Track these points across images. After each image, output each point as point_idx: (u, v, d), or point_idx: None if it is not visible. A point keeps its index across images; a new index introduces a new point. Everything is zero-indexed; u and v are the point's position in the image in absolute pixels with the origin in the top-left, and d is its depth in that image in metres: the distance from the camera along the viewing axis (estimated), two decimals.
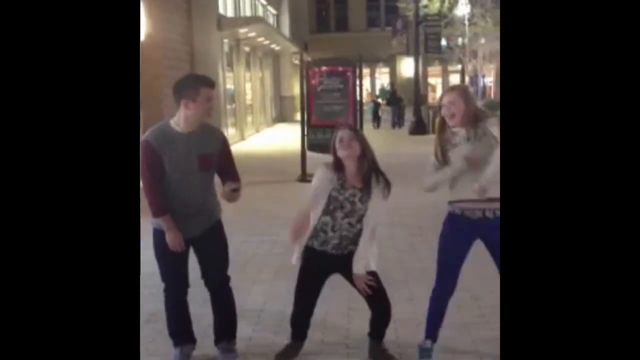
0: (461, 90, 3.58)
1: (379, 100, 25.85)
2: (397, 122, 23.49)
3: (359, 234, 3.49)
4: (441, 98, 3.60)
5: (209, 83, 3.48)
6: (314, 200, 3.46)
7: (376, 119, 23.68)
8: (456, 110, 3.42)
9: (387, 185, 3.53)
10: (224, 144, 3.65)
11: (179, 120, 3.48)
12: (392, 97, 24.92)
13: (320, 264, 3.55)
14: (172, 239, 3.47)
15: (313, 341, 3.95)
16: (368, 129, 22.52)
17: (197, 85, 3.44)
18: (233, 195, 3.49)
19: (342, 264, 3.53)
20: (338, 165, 3.47)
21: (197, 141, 3.48)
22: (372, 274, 3.56)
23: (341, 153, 3.43)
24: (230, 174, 3.61)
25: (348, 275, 3.58)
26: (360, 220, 3.47)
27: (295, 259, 3.62)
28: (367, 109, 23.32)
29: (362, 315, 4.39)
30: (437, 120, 3.72)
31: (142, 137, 3.47)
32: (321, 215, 3.46)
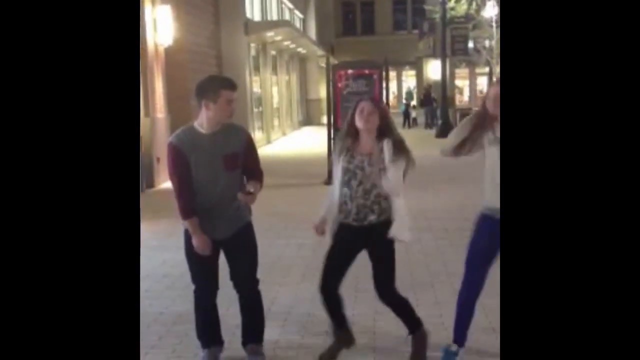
0: None
1: (407, 102, 26.24)
2: (430, 123, 23.59)
3: (375, 202, 3.48)
4: (488, 92, 3.69)
5: (230, 85, 3.50)
6: (336, 180, 3.60)
7: (407, 120, 24.21)
8: None
9: (407, 155, 3.51)
10: (248, 142, 3.65)
11: (202, 121, 3.51)
12: (426, 98, 25.00)
13: (345, 237, 3.56)
14: (198, 242, 3.49)
15: None
16: (414, 128, 22.30)
17: (217, 87, 3.47)
18: (248, 198, 3.48)
19: (363, 236, 3.52)
20: (351, 134, 3.53)
21: (221, 141, 3.51)
22: (390, 254, 3.59)
23: (359, 124, 3.47)
24: (254, 172, 3.62)
25: (371, 250, 3.58)
26: (374, 186, 3.45)
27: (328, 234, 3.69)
28: (399, 111, 23.78)
29: (387, 318, 4.39)
30: (477, 110, 3.71)
31: (169, 139, 3.52)
32: (341, 187, 3.52)
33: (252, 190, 3.49)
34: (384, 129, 3.50)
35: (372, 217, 3.50)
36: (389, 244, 3.56)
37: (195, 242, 3.49)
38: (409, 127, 23.77)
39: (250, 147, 3.65)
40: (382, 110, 3.55)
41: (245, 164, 3.61)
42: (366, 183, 3.47)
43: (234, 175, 3.58)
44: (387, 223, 3.50)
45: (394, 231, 3.50)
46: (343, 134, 3.62)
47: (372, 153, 3.45)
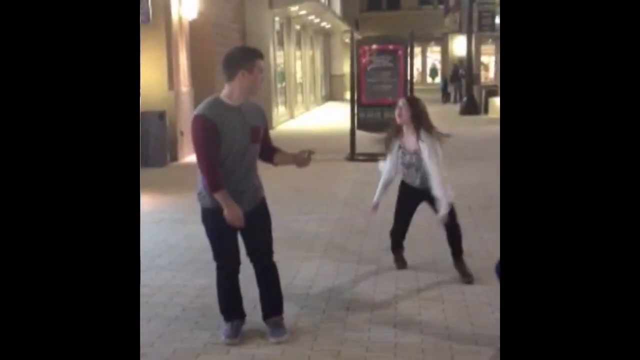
0: None
1: (445, 78, 27.34)
2: (459, 99, 23.59)
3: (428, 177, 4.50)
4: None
5: (261, 54, 3.56)
6: (391, 171, 4.67)
7: (445, 94, 25.83)
8: None
9: (430, 142, 4.40)
10: (266, 119, 3.76)
11: (231, 93, 3.50)
12: (455, 74, 24.99)
13: (410, 193, 4.68)
14: (232, 214, 3.46)
15: (362, 319, 3.98)
16: (435, 106, 22.64)
17: (252, 56, 3.49)
18: (308, 159, 3.67)
19: (426, 195, 4.57)
20: (398, 129, 4.54)
21: (247, 114, 3.53)
22: (451, 211, 4.55)
23: (397, 119, 4.49)
24: (272, 148, 3.72)
25: (431, 202, 4.59)
26: (425, 171, 4.48)
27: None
28: (439, 87, 27.46)
29: (408, 295, 4.40)
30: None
31: (195, 112, 3.51)
32: (402, 169, 4.63)
33: (313, 150, 3.70)
34: (416, 120, 4.43)
35: (429, 185, 4.51)
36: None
37: (228, 213, 3.45)
38: (446, 101, 24.98)
39: (266, 122, 3.74)
40: (411, 103, 4.50)
41: (264, 139, 3.67)
42: (421, 169, 4.51)
43: (256, 149, 3.61)
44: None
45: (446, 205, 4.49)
46: (390, 130, 4.62)
47: (417, 151, 4.45)
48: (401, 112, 4.44)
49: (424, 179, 4.50)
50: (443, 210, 4.43)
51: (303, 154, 3.67)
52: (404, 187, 4.70)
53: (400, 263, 4.92)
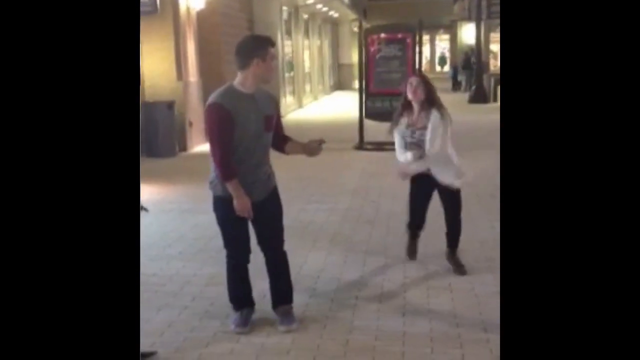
0: None
1: (455, 65, 27.48)
2: (470, 87, 23.56)
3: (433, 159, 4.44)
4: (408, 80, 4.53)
5: (273, 42, 3.58)
6: (402, 146, 4.50)
7: (456, 83, 26.04)
8: None
9: (440, 114, 4.38)
10: (278, 106, 3.77)
11: (245, 81, 3.50)
12: (466, 62, 24.96)
13: (421, 181, 4.56)
14: (242, 205, 3.48)
15: (370, 308, 3.99)
16: (444, 94, 22.54)
17: (265, 44, 3.51)
18: (319, 149, 3.71)
19: (430, 180, 4.49)
20: (406, 106, 4.45)
21: (261, 102, 3.54)
22: (457, 191, 4.60)
23: (411, 97, 4.38)
24: (284, 137, 3.73)
25: (440, 191, 4.58)
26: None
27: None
28: (448, 75, 27.57)
29: (416, 285, 4.40)
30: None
31: (209, 100, 3.50)
32: (407, 150, 4.48)
33: (323, 140, 3.73)
34: (430, 99, 4.39)
35: (433, 170, 4.46)
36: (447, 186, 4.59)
37: (237, 204, 3.47)
38: (457, 90, 24.96)
39: (279, 111, 3.75)
40: (426, 82, 4.42)
41: (277, 128, 3.67)
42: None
43: (269, 137, 3.61)
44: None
45: (455, 182, 4.58)
46: (400, 106, 4.51)
47: (427, 127, 4.36)
48: (417, 91, 4.35)
49: (434, 162, 4.44)
50: (457, 180, 4.53)
51: (313, 143, 3.70)
52: (414, 177, 4.61)
53: (412, 253, 4.89)
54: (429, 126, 4.34)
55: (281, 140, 3.73)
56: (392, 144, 4.62)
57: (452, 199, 4.61)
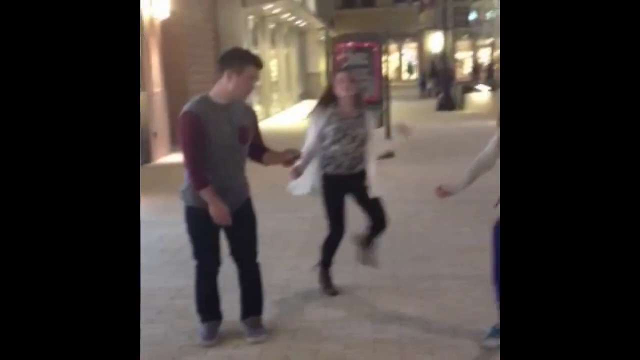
0: None
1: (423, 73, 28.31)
2: (435, 93, 23.93)
3: (361, 155, 4.17)
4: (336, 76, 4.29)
5: (258, 63, 3.48)
6: (317, 139, 4.13)
7: (424, 90, 26.57)
8: None
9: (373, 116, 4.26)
10: (255, 118, 3.72)
11: (220, 92, 3.46)
12: (433, 70, 25.41)
13: (337, 185, 4.19)
14: (217, 211, 3.42)
15: (340, 317, 3.95)
16: (411, 102, 22.91)
17: (245, 60, 3.44)
18: (294, 160, 3.73)
19: (354, 182, 4.19)
20: (330, 101, 4.15)
21: (236, 114, 3.49)
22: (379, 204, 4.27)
23: (341, 93, 4.10)
24: (263, 147, 3.70)
25: (359, 193, 4.24)
26: (363, 142, 4.15)
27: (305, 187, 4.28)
28: (417, 84, 28.41)
29: (386, 292, 4.38)
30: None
31: (184, 108, 3.44)
32: (330, 145, 4.11)
33: (298, 153, 3.75)
34: (360, 96, 4.20)
35: (360, 166, 4.18)
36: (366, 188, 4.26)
37: (214, 211, 3.41)
38: (426, 97, 25.28)
39: (257, 123, 3.70)
40: (355, 80, 4.21)
41: (255, 139, 3.64)
42: (356, 141, 4.13)
43: (245, 149, 3.58)
44: (364, 172, 4.23)
45: (373, 190, 4.23)
46: (322, 105, 4.19)
47: (360, 116, 4.15)
48: (350, 85, 4.09)
49: (355, 157, 4.13)
50: (375, 187, 4.19)
51: (289, 154, 3.68)
52: (329, 181, 4.19)
53: (331, 289, 4.36)
54: (369, 125, 4.17)
55: (259, 151, 3.69)
56: None
57: (371, 198, 4.28)
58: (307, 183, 4.23)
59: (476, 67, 29.67)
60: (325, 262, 4.39)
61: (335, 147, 4.11)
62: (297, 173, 4.04)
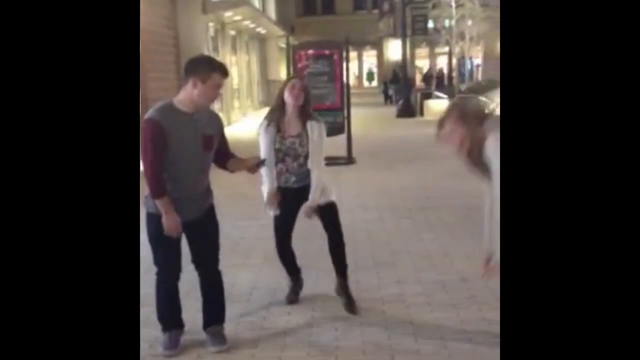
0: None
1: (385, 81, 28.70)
2: (397, 99, 24.18)
3: (306, 170, 4.04)
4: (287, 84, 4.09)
5: (223, 71, 3.45)
6: (268, 155, 4.00)
7: (387, 97, 27.06)
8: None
9: (320, 126, 4.04)
10: (222, 125, 3.69)
11: (184, 99, 3.43)
12: (394, 77, 25.70)
13: (288, 198, 4.10)
14: (170, 223, 3.40)
15: (302, 324, 3.96)
16: (372, 109, 23.09)
17: (210, 68, 3.41)
18: (258, 168, 3.68)
19: (304, 194, 4.05)
20: (279, 109, 4.04)
21: (200, 122, 3.46)
22: (332, 204, 4.14)
23: (289, 100, 3.97)
24: (227, 155, 3.67)
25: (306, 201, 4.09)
26: (306, 159, 4.03)
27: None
28: (379, 91, 29.11)
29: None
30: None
31: (146, 115, 3.39)
32: (276, 163, 4.05)
33: (260, 159, 3.71)
34: (306, 106, 4.02)
35: (307, 180, 4.05)
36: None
37: (167, 221, 3.39)
38: (390, 103, 25.73)
39: (223, 131, 3.68)
40: (307, 89, 4.05)
41: (220, 147, 3.61)
42: (299, 159, 4.04)
43: (209, 157, 3.55)
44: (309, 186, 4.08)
45: (330, 196, 4.13)
46: (273, 108, 4.11)
47: (300, 134, 4.00)
48: (299, 95, 3.95)
49: (300, 173, 4.03)
50: (313, 194, 3.99)
51: (253, 160, 3.66)
52: (281, 193, 4.11)
53: (293, 294, 4.37)
54: (313, 137, 3.97)
55: (224, 157, 3.67)
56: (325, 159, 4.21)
57: (331, 210, 4.14)
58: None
59: (427, 75, 29.99)
60: (289, 271, 4.43)
61: (280, 165, 4.06)
62: (274, 201, 4.10)
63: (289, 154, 4.01)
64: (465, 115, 3.18)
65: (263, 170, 3.96)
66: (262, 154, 4.00)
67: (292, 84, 4.02)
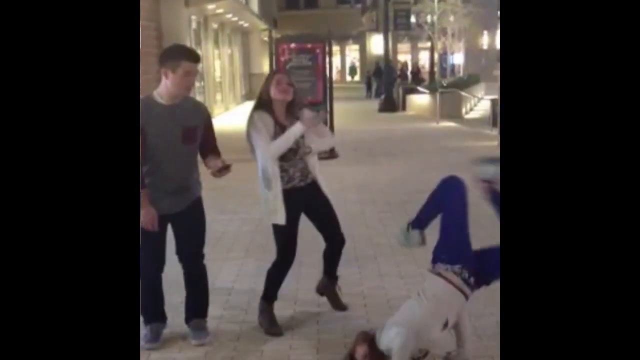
0: None
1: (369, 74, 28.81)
2: (379, 92, 24.24)
3: (306, 165, 3.82)
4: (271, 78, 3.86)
5: (191, 57, 3.42)
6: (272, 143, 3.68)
7: (369, 90, 27.14)
8: None
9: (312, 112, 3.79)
10: (207, 118, 3.64)
11: (161, 91, 3.43)
12: (377, 71, 25.77)
13: (290, 200, 3.72)
14: (145, 216, 3.39)
15: (284, 318, 3.97)
16: (354, 103, 23.10)
17: (178, 56, 3.40)
18: (222, 173, 3.51)
19: (308, 193, 3.82)
20: (268, 106, 3.75)
21: (181, 114, 3.44)
22: (332, 208, 3.95)
23: (278, 96, 3.72)
24: (212, 149, 3.62)
25: (312, 202, 3.86)
26: (304, 152, 3.79)
27: (272, 215, 3.81)
28: (361, 86, 29.35)
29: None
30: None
31: None
32: (274, 162, 3.68)
33: (224, 164, 3.49)
34: (295, 100, 3.80)
35: (311, 175, 3.84)
36: (324, 194, 3.93)
37: (143, 215, 3.37)
38: (371, 97, 25.78)
39: (208, 123, 3.63)
40: (293, 83, 3.81)
41: (204, 139, 3.58)
42: (300, 152, 3.76)
43: (191, 150, 3.53)
44: (316, 180, 3.89)
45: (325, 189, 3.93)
46: (260, 109, 3.78)
47: (293, 122, 3.70)
48: (287, 89, 3.72)
49: (304, 167, 3.79)
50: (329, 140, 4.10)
51: (220, 163, 3.52)
52: (284, 196, 3.72)
53: (276, 327, 3.81)
54: (305, 117, 3.71)
55: (207, 151, 3.61)
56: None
57: (329, 206, 3.96)
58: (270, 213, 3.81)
59: (402, 69, 30.03)
60: (269, 296, 3.90)
61: (280, 163, 3.71)
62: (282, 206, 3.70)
63: (290, 148, 3.70)
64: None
65: (261, 172, 3.74)
66: (263, 147, 3.67)
67: (277, 79, 3.76)
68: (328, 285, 4.08)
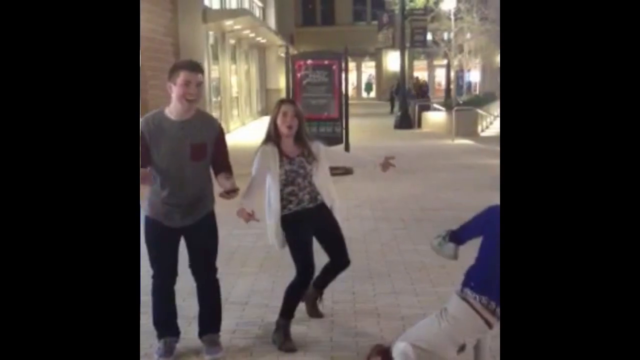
0: None
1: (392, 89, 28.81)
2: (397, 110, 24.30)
3: (315, 188, 3.91)
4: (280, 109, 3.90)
5: (190, 67, 3.43)
6: (261, 177, 3.83)
7: (393, 106, 26.86)
8: None
9: (319, 146, 3.97)
10: (220, 134, 3.61)
11: (171, 107, 3.47)
12: (398, 88, 25.77)
13: (302, 220, 3.85)
14: (141, 174, 3.24)
15: (298, 333, 3.97)
16: (370, 120, 23.13)
17: (175, 69, 3.44)
18: (230, 195, 3.46)
19: (316, 213, 3.91)
20: (277, 138, 3.84)
21: (190, 130, 3.46)
22: (340, 231, 4.03)
23: (283, 130, 3.80)
24: (223, 165, 3.58)
25: (322, 224, 3.94)
26: (312, 177, 3.89)
27: (272, 240, 3.95)
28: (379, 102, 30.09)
29: (343, 308, 4.41)
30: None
31: None
32: (283, 187, 3.83)
33: (234, 187, 3.45)
34: (301, 130, 3.85)
35: (320, 197, 3.93)
36: (333, 216, 4.01)
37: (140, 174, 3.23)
38: (393, 113, 25.69)
39: (220, 140, 3.60)
40: (299, 114, 3.86)
41: (215, 156, 3.56)
42: (309, 177, 3.87)
43: (200, 166, 3.52)
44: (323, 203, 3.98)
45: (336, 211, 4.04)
46: (268, 141, 3.88)
47: (304, 153, 3.86)
48: (292, 123, 3.78)
49: (313, 190, 3.88)
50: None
51: (229, 186, 3.48)
52: (293, 217, 3.85)
53: (289, 343, 3.80)
54: (320, 156, 3.89)
55: (219, 169, 3.58)
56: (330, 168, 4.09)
57: (338, 229, 4.03)
58: (271, 237, 3.95)
59: (416, 86, 30.00)
60: (288, 314, 3.86)
61: (291, 188, 3.82)
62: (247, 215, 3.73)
63: (300, 174, 3.81)
64: None
65: (267, 201, 3.91)
66: (256, 172, 3.80)
67: (283, 111, 3.79)
68: (313, 293, 4.19)
